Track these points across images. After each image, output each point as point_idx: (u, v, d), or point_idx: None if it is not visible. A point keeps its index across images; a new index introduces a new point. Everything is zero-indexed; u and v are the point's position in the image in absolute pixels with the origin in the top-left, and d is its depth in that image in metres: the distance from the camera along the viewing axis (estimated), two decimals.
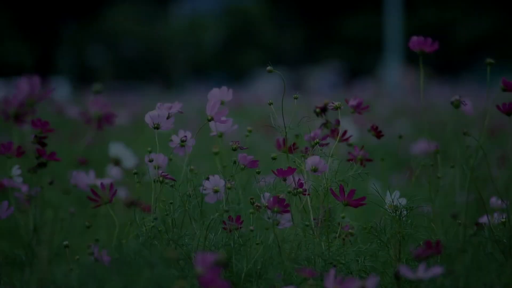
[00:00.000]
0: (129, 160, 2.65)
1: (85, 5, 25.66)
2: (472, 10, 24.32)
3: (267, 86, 14.18)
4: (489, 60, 1.77)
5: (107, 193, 1.74)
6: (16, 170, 1.84)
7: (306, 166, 1.74)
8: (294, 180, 1.74)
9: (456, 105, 1.79)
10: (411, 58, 17.34)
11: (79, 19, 26.11)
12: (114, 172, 2.34)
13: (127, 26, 24.94)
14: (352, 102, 1.88)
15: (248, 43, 25.26)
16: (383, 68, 17.25)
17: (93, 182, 2.35)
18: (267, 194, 1.72)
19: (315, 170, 1.74)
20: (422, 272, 1.46)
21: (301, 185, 1.73)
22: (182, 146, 1.79)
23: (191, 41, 25.03)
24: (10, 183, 1.83)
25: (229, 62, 25.19)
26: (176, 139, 1.78)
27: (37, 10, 24.85)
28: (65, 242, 1.76)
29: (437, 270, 1.45)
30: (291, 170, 1.72)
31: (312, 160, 1.74)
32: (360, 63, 24.19)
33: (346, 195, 1.70)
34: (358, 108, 1.88)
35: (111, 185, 1.75)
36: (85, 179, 2.35)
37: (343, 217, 1.87)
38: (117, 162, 2.60)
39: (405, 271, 1.46)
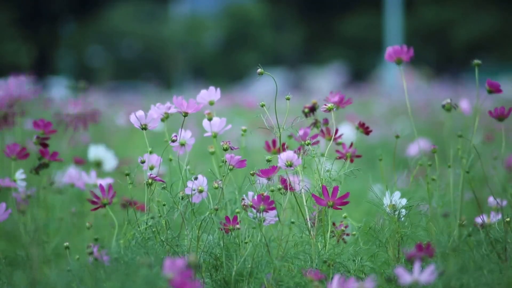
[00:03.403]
0: (110, 162, 2.64)
1: (84, 5, 25.65)
2: (472, 10, 24.32)
3: (267, 86, 14.18)
4: (476, 61, 1.78)
5: (106, 194, 1.74)
6: (20, 174, 1.84)
7: (280, 162, 1.73)
8: (288, 180, 1.74)
9: (448, 108, 1.79)
10: (410, 59, 17.33)
11: (79, 19, 26.11)
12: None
13: (127, 26, 24.94)
14: (334, 98, 1.87)
15: (247, 43, 25.25)
16: (383, 68, 17.26)
17: (93, 181, 2.35)
18: (251, 193, 1.71)
19: (290, 165, 1.73)
20: (417, 274, 1.45)
21: (284, 181, 1.72)
22: (182, 145, 1.79)
23: (190, 41, 25.03)
24: (10, 183, 1.83)
25: (228, 62, 25.19)
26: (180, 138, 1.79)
27: (37, 11, 24.84)
28: (66, 243, 1.77)
29: (431, 273, 1.44)
30: (273, 169, 1.72)
31: (286, 155, 1.73)
32: (360, 64, 24.19)
33: (330, 196, 1.68)
34: (340, 103, 1.87)
35: (110, 187, 1.75)
36: (83, 178, 2.35)
37: (345, 217, 1.86)
38: (98, 164, 2.59)
39: (401, 273, 1.45)
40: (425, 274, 1.45)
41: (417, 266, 1.45)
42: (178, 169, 1.76)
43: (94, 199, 1.74)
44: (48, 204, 1.91)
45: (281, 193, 1.71)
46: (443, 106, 1.79)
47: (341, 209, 1.69)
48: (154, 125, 1.78)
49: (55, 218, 2.42)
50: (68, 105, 1.68)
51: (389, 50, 1.85)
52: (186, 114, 1.79)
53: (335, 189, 1.68)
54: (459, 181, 1.86)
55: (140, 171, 1.80)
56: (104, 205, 1.74)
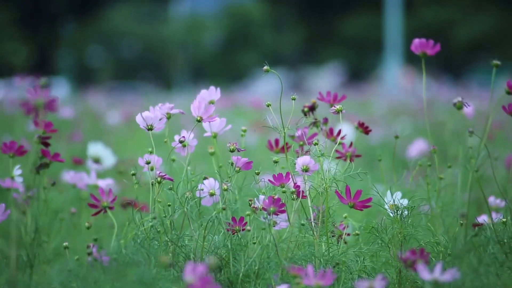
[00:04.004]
0: (108, 159, 2.66)
1: (84, 5, 25.65)
2: (472, 10, 24.31)
3: (267, 86, 14.18)
4: (495, 62, 1.76)
5: (107, 197, 1.73)
6: (17, 170, 1.84)
7: (297, 166, 1.72)
8: (293, 180, 1.73)
9: (459, 106, 1.79)
10: (411, 58, 17.33)
11: (79, 19, 26.10)
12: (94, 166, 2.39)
13: (127, 26, 24.93)
14: (328, 97, 1.87)
15: (247, 43, 25.25)
16: (383, 68, 17.26)
17: (93, 182, 2.35)
18: (262, 197, 1.71)
19: (306, 170, 1.72)
20: (437, 274, 1.45)
21: (297, 187, 1.71)
22: (184, 146, 1.79)
23: (190, 41, 25.02)
24: (11, 183, 1.83)
25: (228, 62, 25.18)
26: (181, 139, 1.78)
27: (37, 11, 24.84)
28: (65, 243, 1.76)
29: (452, 274, 1.43)
30: (287, 177, 1.71)
31: (303, 160, 1.73)
32: (360, 63, 24.19)
33: (352, 197, 1.68)
34: (335, 101, 1.87)
35: (110, 190, 1.74)
36: (84, 179, 2.35)
37: (345, 217, 1.86)
38: (96, 161, 2.62)
39: (421, 270, 1.45)
40: (447, 274, 1.43)
41: (439, 266, 1.44)
42: (178, 170, 1.76)
43: (94, 202, 1.73)
44: (48, 204, 1.90)
45: (292, 199, 1.71)
46: (454, 104, 1.79)
47: (362, 210, 1.69)
48: (160, 126, 1.77)
49: (55, 218, 2.42)
50: (28, 93, 1.68)
51: (415, 41, 1.85)
52: (200, 119, 1.78)
53: (358, 192, 1.68)
54: (460, 181, 1.86)
55: (139, 171, 1.80)
56: (104, 209, 1.72)
